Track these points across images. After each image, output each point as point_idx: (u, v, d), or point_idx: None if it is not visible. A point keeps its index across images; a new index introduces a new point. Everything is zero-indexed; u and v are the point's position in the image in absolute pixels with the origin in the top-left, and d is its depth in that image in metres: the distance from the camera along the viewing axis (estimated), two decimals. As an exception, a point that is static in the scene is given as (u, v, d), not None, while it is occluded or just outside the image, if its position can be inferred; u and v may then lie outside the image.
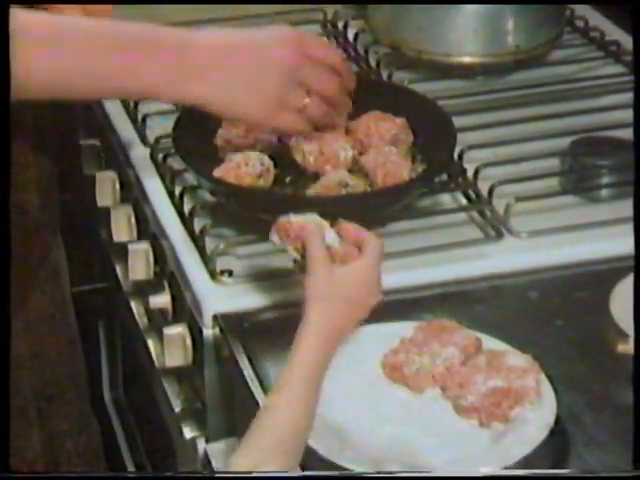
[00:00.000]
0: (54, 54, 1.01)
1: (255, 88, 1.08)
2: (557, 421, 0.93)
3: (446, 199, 1.22)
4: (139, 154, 1.30)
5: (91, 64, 1.02)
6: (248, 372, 1.00)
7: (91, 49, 1.02)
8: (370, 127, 1.22)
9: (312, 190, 1.15)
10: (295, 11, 1.57)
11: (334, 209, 1.15)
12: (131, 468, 1.54)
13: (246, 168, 1.17)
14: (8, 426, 0.75)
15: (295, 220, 0.98)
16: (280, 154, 1.21)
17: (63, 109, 1.44)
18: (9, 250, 0.79)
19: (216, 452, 1.07)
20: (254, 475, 0.79)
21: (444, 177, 1.22)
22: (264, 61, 1.09)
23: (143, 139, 1.32)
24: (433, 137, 1.21)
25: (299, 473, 0.80)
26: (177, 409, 1.18)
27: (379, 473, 0.88)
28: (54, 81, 1.01)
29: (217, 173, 1.18)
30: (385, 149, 1.19)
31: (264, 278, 1.11)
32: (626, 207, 1.19)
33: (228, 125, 1.23)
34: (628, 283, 1.07)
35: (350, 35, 1.53)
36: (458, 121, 1.23)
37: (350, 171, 1.18)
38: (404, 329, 1.01)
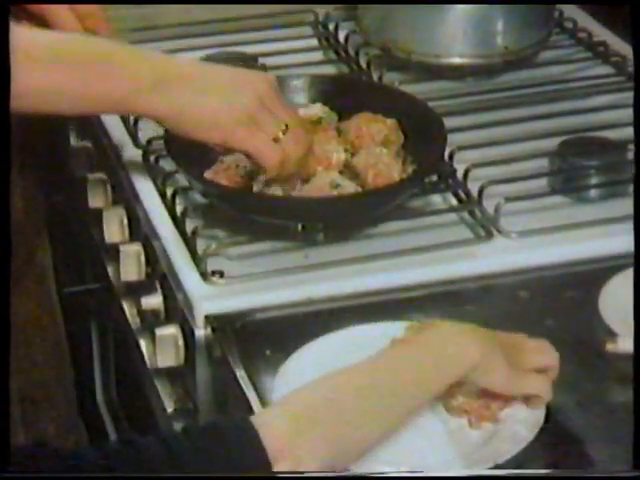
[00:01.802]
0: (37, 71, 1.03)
1: (225, 103, 1.07)
2: (547, 420, 0.93)
3: (436, 199, 1.22)
4: (131, 156, 1.30)
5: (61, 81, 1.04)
6: (240, 373, 1.00)
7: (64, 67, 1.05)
8: (361, 128, 1.22)
9: (303, 191, 1.15)
10: (286, 13, 1.57)
11: (325, 210, 1.15)
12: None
13: (237, 170, 1.17)
14: (8, 426, 0.75)
15: None
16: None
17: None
18: (9, 250, 0.79)
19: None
20: (254, 475, 0.79)
21: (434, 178, 1.23)
22: (240, 82, 1.08)
23: (135, 141, 1.31)
24: (423, 138, 1.21)
25: (298, 473, 0.80)
26: (169, 409, 1.18)
27: (377, 474, 0.88)
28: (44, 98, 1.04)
29: (208, 175, 1.18)
30: (376, 150, 1.19)
31: (256, 279, 1.11)
32: (615, 207, 1.20)
33: None
34: (617, 282, 1.07)
35: (341, 37, 1.53)
36: (448, 122, 1.23)
37: (341, 172, 1.18)
38: (394, 329, 1.01)
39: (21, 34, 1.01)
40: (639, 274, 0.95)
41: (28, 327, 1.25)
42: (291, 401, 0.86)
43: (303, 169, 1.13)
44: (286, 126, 1.09)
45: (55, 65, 1.03)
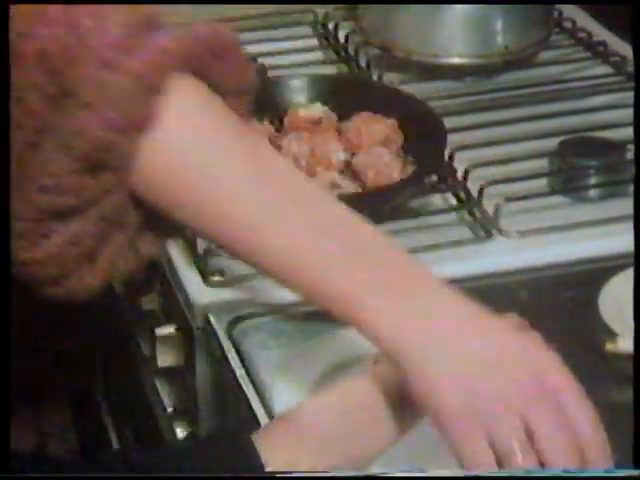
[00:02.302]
0: None
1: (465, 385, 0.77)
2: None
3: (436, 199, 1.22)
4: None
5: None
6: (240, 373, 1.00)
7: None
8: (361, 128, 1.22)
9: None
10: (285, 13, 1.57)
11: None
12: (123, 468, 1.54)
13: None
14: (8, 426, 0.75)
15: None
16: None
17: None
18: (9, 251, 0.79)
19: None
20: (253, 475, 0.79)
21: (434, 178, 1.23)
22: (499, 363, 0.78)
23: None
24: (423, 138, 1.21)
25: (297, 473, 0.80)
26: (169, 409, 1.18)
27: (376, 473, 0.88)
28: None
29: None
30: (377, 150, 1.19)
31: (256, 278, 1.11)
32: (614, 207, 1.20)
33: None
34: (617, 282, 1.07)
35: (341, 36, 1.53)
36: (448, 122, 1.23)
37: (341, 172, 1.18)
38: (395, 329, 1.01)
39: None
40: (639, 274, 0.95)
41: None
42: (293, 418, 0.80)
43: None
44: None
45: None
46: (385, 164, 1.17)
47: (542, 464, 0.77)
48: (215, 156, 0.79)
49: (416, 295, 0.81)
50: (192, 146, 0.79)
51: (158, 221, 0.84)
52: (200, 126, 0.80)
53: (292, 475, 0.80)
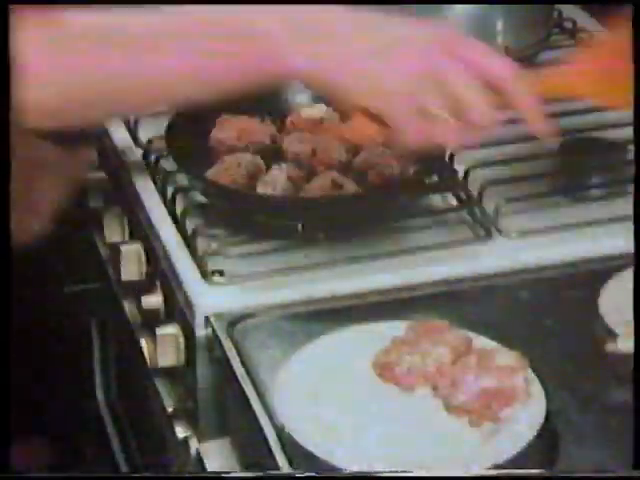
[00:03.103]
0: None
1: (389, 64, 0.90)
2: (546, 420, 0.93)
3: (436, 199, 1.23)
4: (131, 155, 1.30)
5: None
6: (241, 372, 1.01)
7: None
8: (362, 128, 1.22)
9: (303, 191, 1.16)
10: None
11: (325, 210, 1.16)
12: (124, 468, 1.54)
13: (238, 169, 1.18)
14: (8, 426, 0.75)
15: None
16: (273, 156, 1.21)
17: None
18: (9, 251, 0.79)
19: (208, 451, 1.08)
20: (253, 475, 0.79)
21: (435, 178, 1.23)
22: (401, 36, 0.92)
23: (135, 141, 1.32)
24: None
25: (296, 473, 0.81)
26: (170, 409, 1.18)
27: (376, 473, 0.89)
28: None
29: (209, 174, 1.18)
30: (378, 150, 1.19)
31: (256, 278, 1.11)
32: (615, 207, 1.20)
33: (220, 127, 1.23)
34: (617, 282, 1.07)
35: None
36: (448, 122, 1.23)
37: (344, 172, 1.18)
38: (395, 329, 1.02)
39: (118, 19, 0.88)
40: (639, 274, 0.95)
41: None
42: None
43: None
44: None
45: (164, 45, 0.89)
46: (387, 164, 1.17)
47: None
48: None
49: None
50: None
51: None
52: None
53: (293, 475, 0.81)
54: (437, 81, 0.92)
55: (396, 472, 0.88)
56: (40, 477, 0.75)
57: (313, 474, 0.87)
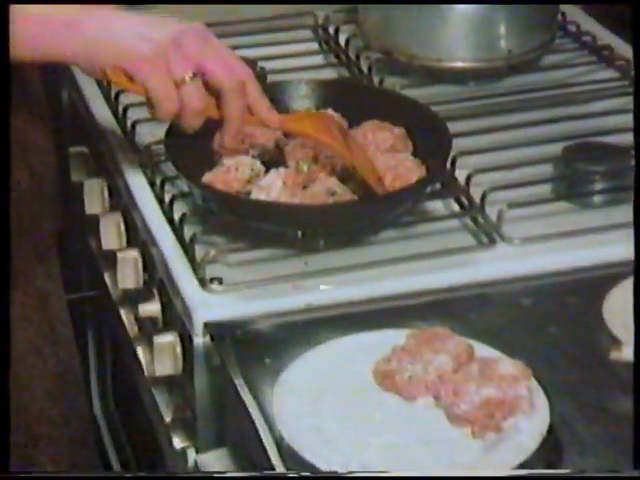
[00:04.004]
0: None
1: (138, 38, 1.05)
2: (550, 429, 0.94)
3: (438, 206, 1.23)
4: (128, 161, 1.30)
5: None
6: (239, 381, 1.01)
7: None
8: (367, 136, 1.22)
9: (299, 198, 1.16)
10: (285, 15, 1.58)
11: (325, 217, 1.16)
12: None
13: (235, 173, 1.18)
14: (8, 426, 0.75)
15: None
16: (275, 160, 1.22)
17: (51, 116, 1.45)
18: (9, 252, 0.79)
19: (206, 462, 1.08)
20: (248, 475, 0.80)
21: (436, 184, 1.23)
22: (159, 21, 1.08)
23: (133, 146, 1.32)
24: (428, 144, 1.22)
25: (290, 473, 0.81)
26: (167, 419, 1.18)
27: (375, 473, 0.89)
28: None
29: (207, 178, 1.18)
30: (400, 155, 1.19)
31: (255, 286, 1.11)
32: (620, 213, 1.20)
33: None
34: (621, 290, 1.07)
35: (341, 40, 1.53)
36: (450, 127, 1.23)
37: (344, 181, 1.18)
38: (396, 337, 1.02)
39: None
40: (639, 281, 0.96)
41: (27, 358, 1.24)
42: None
43: (230, 118, 1.11)
44: (194, 75, 1.07)
45: None
46: (406, 168, 1.18)
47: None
48: None
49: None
50: None
51: None
52: None
53: (293, 475, 0.81)
54: (181, 51, 1.07)
55: (394, 472, 0.88)
56: (40, 477, 0.76)
57: (308, 474, 0.87)
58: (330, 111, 1.26)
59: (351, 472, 0.88)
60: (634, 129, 1.01)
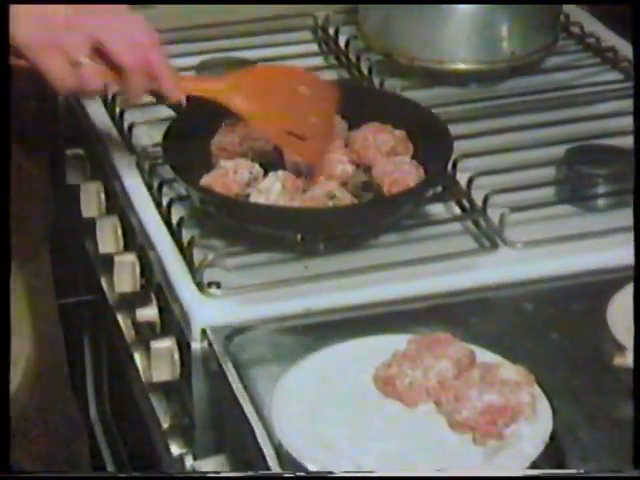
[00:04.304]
0: None
1: (35, 13, 1.05)
2: (552, 436, 0.93)
3: (439, 209, 1.23)
4: (125, 163, 1.30)
5: None
6: (237, 387, 1.00)
7: None
8: (368, 138, 1.22)
9: (298, 201, 1.15)
10: (285, 16, 1.58)
11: (325, 221, 1.16)
12: (117, 485, 1.54)
13: (234, 176, 1.18)
14: (8, 426, 0.75)
15: None
16: (274, 163, 1.21)
17: (47, 118, 1.44)
18: (9, 251, 0.79)
19: (204, 469, 1.07)
20: (243, 475, 0.80)
21: (437, 187, 1.23)
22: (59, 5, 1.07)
23: (130, 148, 1.32)
24: (429, 147, 1.22)
25: (286, 473, 0.81)
26: (165, 425, 1.18)
27: (373, 473, 0.89)
28: None
29: (205, 181, 1.18)
30: (397, 158, 1.19)
31: (254, 290, 1.11)
32: (623, 217, 1.20)
33: (224, 132, 1.23)
34: (625, 294, 1.07)
35: (341, 42, 1.53)
36: (452, 129, 1.23)
37: (345, 184, 1.18)
38: (396, 342, 1.02)
39: None
40: (639, 286, 0.95)
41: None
42: None
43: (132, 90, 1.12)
44: (94, 53, 1.08)
45: None
46: (403, 172, 1.17)
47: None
48: None
49: None
50: None
51: None
52: None
53: (293, 475, 0.81)
54: (77, 32, 1.07)
55: (393, 472, 0.88)
56: (40, 477, 0.76)
57: (304, 474, 0.87)
58: None
59: (345, 472, 0.88)
60: (634, 131, 1.01)
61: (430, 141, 1.22)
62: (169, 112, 1.30)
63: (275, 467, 0.92)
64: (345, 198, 1.15)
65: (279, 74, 1.21)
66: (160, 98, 1.17)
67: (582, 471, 0.86)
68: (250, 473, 0.84)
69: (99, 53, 1.09)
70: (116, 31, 1.10)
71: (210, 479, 0.79)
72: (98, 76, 1.10)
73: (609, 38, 1.53)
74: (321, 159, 1.15)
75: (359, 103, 1.27)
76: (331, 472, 0.88)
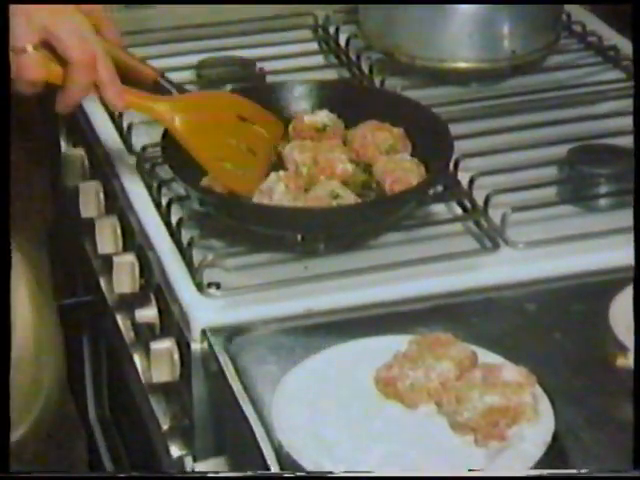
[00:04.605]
0: None
1: None
2: (555, 438, 0.93)
3: (441, 209, 1.23)
4: (124, 163, 1.30)
5: None
6: (238, 388, 1.01)
7: None
8: (366, 137, 1.22)
9: (302, 201, 1.16)
10: (285, 16, 1.58)
11: (326, 221, 1.16)
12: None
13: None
14: (8, 426, 0.75)
15: None
16: (273, 163, 1.22)
17: (45, 118, 1.45)
18: (9, 251, 0.79)
19: (204, 471, 1.07)
20: (241, 475, 0.80)
21: (439, 187, 1.23)
22: None
23: (129, 148, 1.32)
24: (430, 146, 1.22)
25: (285, 473, 0.81)
26: (164, 427, 1.18)
27: (372, 473, 0.89)
28: None
29: (205, 182, 1.18)
30: (398, 156, 1.19)
31: (254, 291, 1.11)
32: (626, 217, 1.20)
33: None
34: (628, 295, 1.07)
35: (342, 40, 1.53)
36: (453, 129, 1.24)
37: (345, 183, 1.18)
38: (397, 343, 1.02)
39: None
40: (639, 286, 0.96)
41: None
42: None
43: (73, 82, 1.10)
44: (40, 44, 1.07)
45: None
46: (404, 170, 1.18)
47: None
48: None
49: None
50: None
51: None
52: None
53: (292, 475, 0.81)
54: (28, 19, 1.07)
55: (393, 472, 0.88)
56: (40, 477, 0.76)
57: (303, 474, 0.87)
58: (325, 112, 1.26)
59: (346, 472, 0.88)
60: (634, 130, 1.01)
61: (430, 140, 1.22)
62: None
63: (275, 469, 0.92)
64: (348, 197, 1.15)
65: (224, 102, 1.21)
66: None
67: (582, 471, 0.86)
68: (250, 473, 0.85)
69: (47, 47, 1.08)
70: (68, 25, 1.09)
71: (210, 479, 0.79)
72: (40, 66, 1.08)
73: (611, 37, 1.54)
74: (254, 190, 1.15)
75: (356, 102, 1.27)
76: (331, 472, 0.88)
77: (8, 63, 0.85)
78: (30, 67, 1.08)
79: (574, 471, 0.88)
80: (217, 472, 0.86)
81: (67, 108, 1.13)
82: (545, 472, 0.84)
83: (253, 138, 1.20)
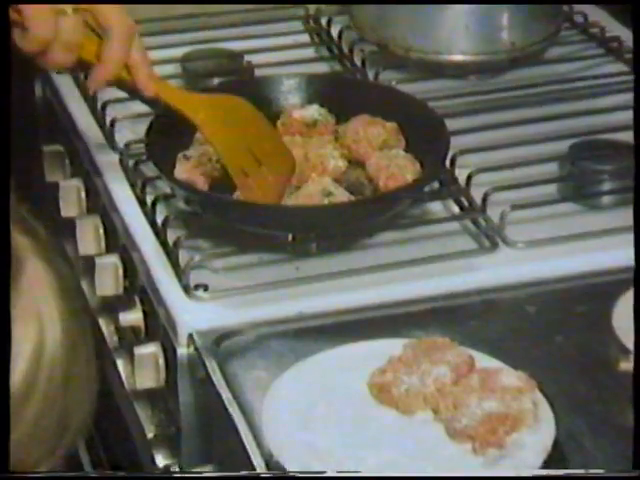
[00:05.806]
0: None
1: None
2: (555, 444, 0.94)
3: (437, 207, 1.23)
4: (107, 160, 1.31)
5: None
6: (226, 394, 1.01)
7: None
8: (359, 132, 1.23)
9: (293, 199, 1.16)
10: (274, 6, 1.58)
11: (318, 220, 1.16)
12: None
13: (211, 163, 1.18)
14: (8, 426, 0.75)
15: None
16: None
17: (23, 112, 1.44)
18: (9, 251, 0.79)
19: (191, 480, 1.08)
20: (231, 475, 0.80)
21: (435, 184, 1.23)
22: None
23: (112, 144, 1.32)
24: (425, 142, 1.22)
25: (274, 473, 0.81)
26: (149, 435, 1.18)
27: (369, 473, 0.89)
28: None
29: (181, 175, 1.18)
30: (392, 152, 1.20)
31: (243, 293, 1.12)
32: (629, 215, 1.20)
33: None
34: (631, 296, 1.08)
35: (334, 32, 1.54)
36: (449, 123, 1.24)
37: (338, 180, 1.19)
38: (392, 347, 1.02)
39: None
40: (639, 287, 0.96)
41: None
42: None
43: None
44: (79, 9, 1.07)
45: None
46: (399, 166, 1.18)
47: None
48: None
49: None
50: None
51: None
52: None
53: (292, 474, 0.82)
54: None
55: (392, 472, 0.89)
56: (40, 477, 0.76)
57: (294, 473, 0.88)
58: (315, 107, 1.26)
59: (340, 472, 0.88)
60: (634, 126, 1.02)
61: (425, 135, 1.22)
62: (153, 107, 1.31)
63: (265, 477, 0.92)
64: (341, 195, 1.15)
65: (247, 111, 1.20)
66: (132, 92, 1.15)
67: (582, 471, 0.87)
68: (231, 473, 0.85)
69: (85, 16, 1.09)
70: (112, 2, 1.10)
71: (210, 479, 0.80)
72: (78, 31, 1.08)
73: (613, 28, 1.54)
74: (279, 199, 1.15)
75: (348, 96, 1.28)
76: (323, 471, 0.88)
77: (8, 63, 0.84)
78: (69, 29, 1.07)
79: (573, 471, 0.88)
80: (200, 472, 0.86)
81: (100, 85, 1.14)
82: (545, 472, 0.84)
83: (277, 150, 1.20)
